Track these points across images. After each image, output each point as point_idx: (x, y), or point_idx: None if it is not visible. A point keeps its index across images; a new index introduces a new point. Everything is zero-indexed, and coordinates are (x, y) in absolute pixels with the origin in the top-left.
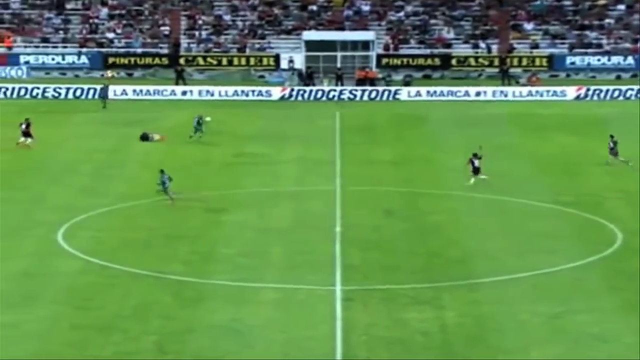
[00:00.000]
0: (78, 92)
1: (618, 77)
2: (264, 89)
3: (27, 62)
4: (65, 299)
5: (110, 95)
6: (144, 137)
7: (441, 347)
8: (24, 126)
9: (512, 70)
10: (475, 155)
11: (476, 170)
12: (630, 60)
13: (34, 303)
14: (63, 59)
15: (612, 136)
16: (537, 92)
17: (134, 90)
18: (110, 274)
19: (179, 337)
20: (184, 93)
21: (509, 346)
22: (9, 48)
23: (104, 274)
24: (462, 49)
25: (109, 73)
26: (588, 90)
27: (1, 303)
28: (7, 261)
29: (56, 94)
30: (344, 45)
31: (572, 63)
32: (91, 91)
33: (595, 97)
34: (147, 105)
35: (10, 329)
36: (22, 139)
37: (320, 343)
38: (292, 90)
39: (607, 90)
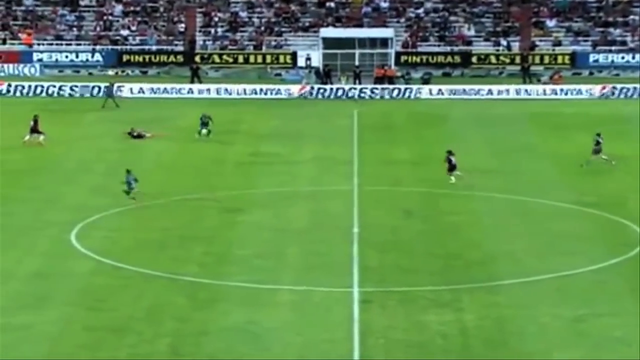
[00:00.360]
0: (95, 91)
1: None
2: (282, 87)
3: (40, 60)
4: (78, 300)
5: (127, 93)
6: (134, 135)
7: (460, 351)
8: (32, 123)
9: (533, 68)
10: (450, 152)
11: (453, 168)
12: None
13: (47, 304)
14: (77, 57)
15: (599, 134)
16: (561, 90)
17: (151, 89)
18: (123, 275)
19: (193, 339)
20: (200, 92)
21: (529, 350)
22: (30, 45)
23: (118, 275)
24: (482, 47)
25: (112, 72)
26: (614, 88)
27: (13, 304)
28: (19, 262)
29: (72, 92)
30: (362, 42)
31: (596, 61)
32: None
33: (621, 96)
34: (162, 104)
35: (23, 330)
36: (28, 136)
37: (337, 346)
38: (312, 88)
39: (635, 89)
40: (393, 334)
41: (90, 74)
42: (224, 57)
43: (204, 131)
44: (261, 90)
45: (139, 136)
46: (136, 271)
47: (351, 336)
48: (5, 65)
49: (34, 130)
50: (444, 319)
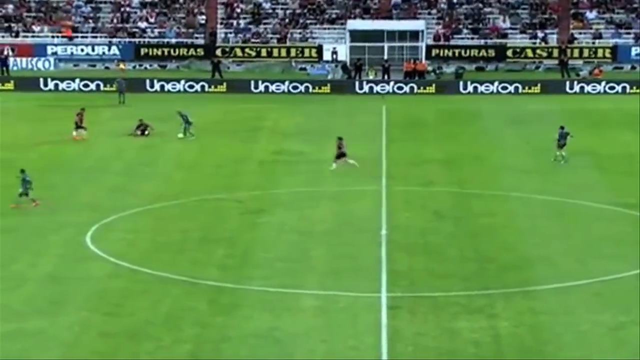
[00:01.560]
0: (115, 86)
1: None
2: (307, 81)
3: (54, 53)
4: (94, 305)
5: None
6: (142, 130)
7: (494, 359)
8: (77, 117)
9: (572, 62)
10: (340, 138)
11: (341, 155)
12: None
13: (61, 308)
14: (93, 50)
15: (562, 127)
16: (599, 85)
17: (170, 84)
18: (141, 279)
19: (214, 345)
20: (220, 86)
21: (567, 358)
22: (70, 38)
23: (135, 279)
24: (518, 40)
25: (121, 65)
26: None
27: (27, 308)
28: (33, 264)
29: (86, 87)
30: (392, 35)
31: (638, 54)
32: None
33: None
34: (181, 99)
35: (36, 336)
36: (75, 132)
37: (364, 353)
38: (338, 83)
39: None
40: (423, 341)
41: (106, 68)
42: (247, 50)
43: (188, 130)
44: (284, 84)
45: (144, 131)
46: (154, 275)
47: (379, 343)
48: (19, 59)
49: (79, 124)
50: (477, 325)
